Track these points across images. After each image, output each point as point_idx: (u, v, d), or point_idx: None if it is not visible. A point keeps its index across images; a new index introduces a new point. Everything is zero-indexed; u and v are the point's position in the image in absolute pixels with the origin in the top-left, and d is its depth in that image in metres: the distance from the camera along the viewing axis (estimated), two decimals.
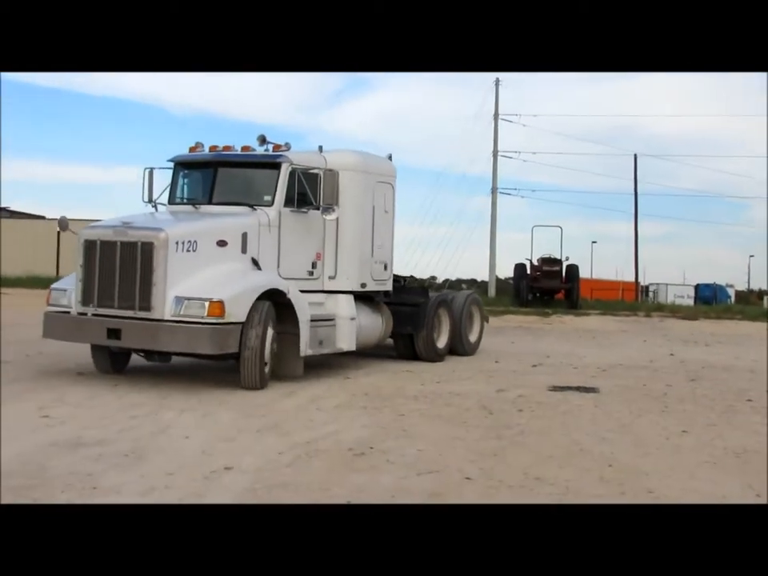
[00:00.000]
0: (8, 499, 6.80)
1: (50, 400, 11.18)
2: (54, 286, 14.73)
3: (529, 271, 40.98)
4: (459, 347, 19.52)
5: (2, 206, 52.28)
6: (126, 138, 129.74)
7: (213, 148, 15.76)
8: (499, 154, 56.69)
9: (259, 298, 13.44)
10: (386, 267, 17.46)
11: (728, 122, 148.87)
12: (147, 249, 13.04)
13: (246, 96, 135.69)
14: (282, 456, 8.75)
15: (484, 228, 55.16)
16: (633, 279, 65.18)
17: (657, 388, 14.90)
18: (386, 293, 17.66)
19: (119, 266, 13.21)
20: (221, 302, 12.79)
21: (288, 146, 15.52)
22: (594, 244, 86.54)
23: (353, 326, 15.98)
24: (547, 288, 40.76)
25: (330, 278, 15.98)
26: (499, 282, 55.42)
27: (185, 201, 15.85)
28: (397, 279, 18.88)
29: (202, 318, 12.76)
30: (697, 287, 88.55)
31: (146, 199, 15.87)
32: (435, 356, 18.35)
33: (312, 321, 14.60)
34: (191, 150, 15.89)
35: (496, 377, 15.67)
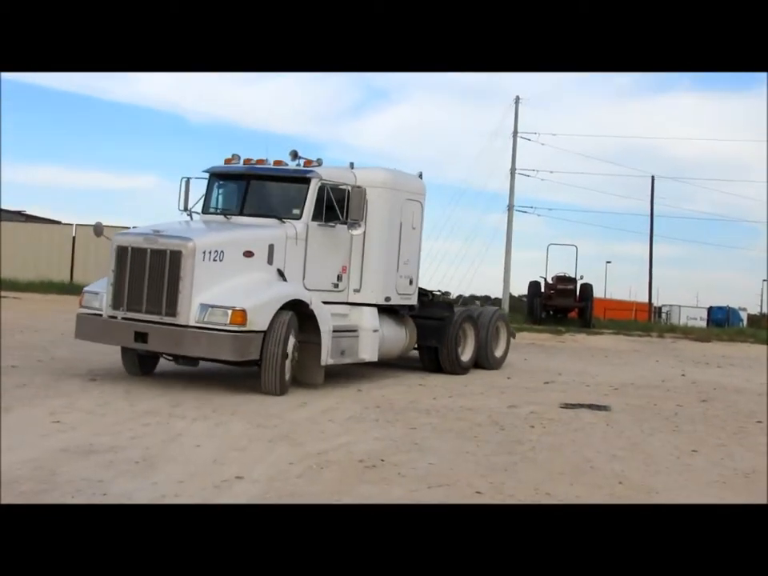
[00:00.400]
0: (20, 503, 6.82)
1: (61, 405, 11.18)
2: (86, 288, 15.00)
3: (543, 289, 40.95)
4: (484, 361, 19.92)
5: (18, 209, 52.36)
6: (142, 144, 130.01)
7: (247, 161, 16.21)
8: (517, 171, 56.64)
9: (282, 308, 13.86)
10: (411, 282, 17.86)
11: (745, 147, 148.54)
12: (175, 257, 13.45)
13: (263, 105, 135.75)
14: (293, 466, 8.77)
15: (499, 245, 55.08)
16: (646, 300, 64.92)
17: (668, 408, 14.89)
18: (410, 306, 18.07)
19: (148, 273, 13.63)
20: (243, 311, 13.22)
21: (320, 162, 15.91)
22: (608, 264, 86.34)
23: (375, 337, 16.39)
24: (561, 306, 40.68)
25: (355, 290, 16.41)
26: (513, 299, 55.37)
27: (218, 211, 16.31)
28: (425, 293, 19.47)
29: (225, 325, 13.17)
30: (710, 309, 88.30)
31: (182, 207, 16.37)
32: (459, 369, 18.74)
33: (335, 331, 15.06)
34: (226, 161, 16.36)
35: (508, 392, 15.68)
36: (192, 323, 13.28)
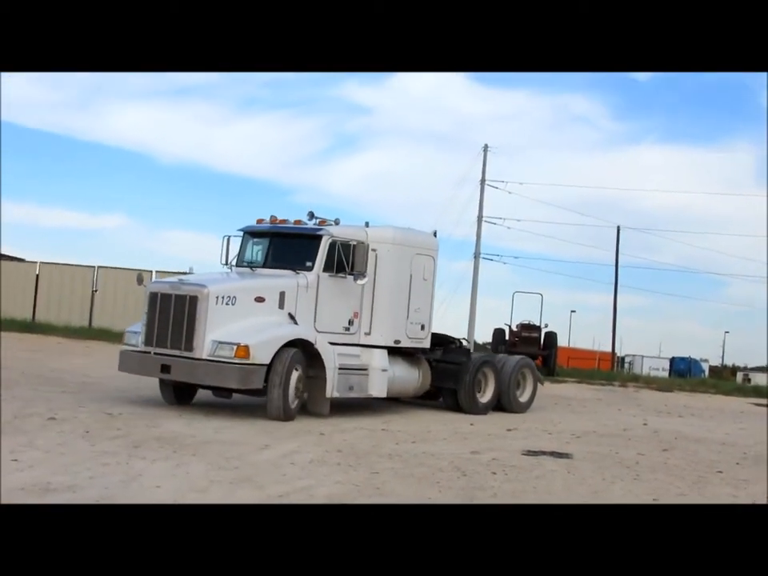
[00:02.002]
0: None
1: (19, 444, 11.06)
2: (128, 329, 17.57)
3: (507, 336, 40.94)
4: (508, 405, 21.67)
5: None
6: (110, 184, 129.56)
7: (273, 220, 18.70)
8: (484, 219, 57.00)
9: (288, 346, 16.24)
10: (423, 327, 19.79)
11: (710, 200, 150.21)
12: (193, 301, 15.99)
13: (233, 148, 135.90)
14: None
15: (465, 291, 55.31)
16: (609, 349, 65.25)
17: (629, 456, 14.91)
18: (423, 350, 20.07)
19: (173, 314, 16.18)
20: (246, 347, 15.58)
21: (337, 221, 18.44)
22: (572, 313, 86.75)
23: (384, 376, 18.41)
24: (525, 354, 40.75)
25: (366, 334, 18.51)
26: (478, 346, 55.46)
27: (246, 264, 18.67)
28: (451, 341, 21.83)
29: (231, 358, 15.57)
30: (672, 360, 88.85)
31: (223, 262, 18.98)
32: (477, 410, 20.57)
33: (344, 369, 17.37)
34: (258, 221, 18.94)
35: (470, 439, 15.66)
36: (205, 357, 15.73)
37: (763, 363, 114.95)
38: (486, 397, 21.18)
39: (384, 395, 18.69)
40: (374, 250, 18.56)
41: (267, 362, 15.84)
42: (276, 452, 12.25)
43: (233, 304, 16.33)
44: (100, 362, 26.22)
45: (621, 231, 62.35)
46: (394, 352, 19.12)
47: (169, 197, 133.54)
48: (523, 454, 14.07)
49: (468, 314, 53.49)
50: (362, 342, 18.39)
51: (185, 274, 18.75)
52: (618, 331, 63.06)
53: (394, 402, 20.74)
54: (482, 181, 57.23)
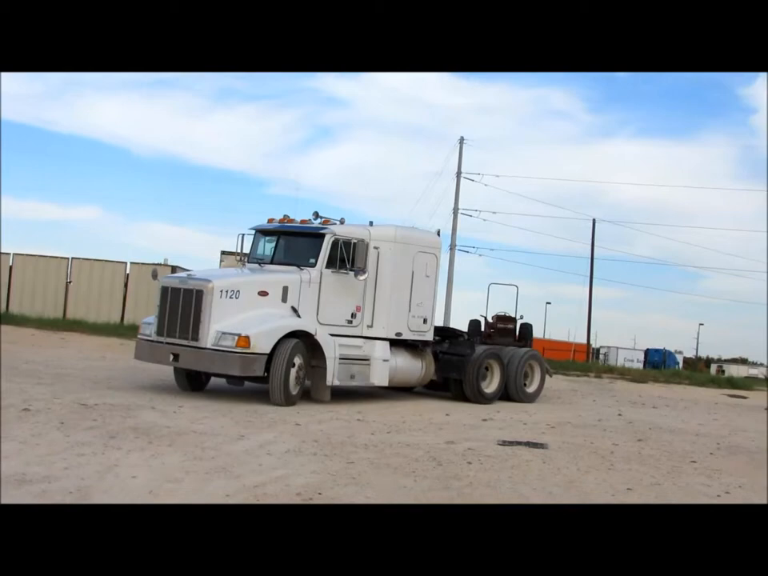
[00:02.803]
0: None
1: None
2: (144, 320, 19.17)
3: (483, 328, 40.99)
4: (515, 395, 23.11)
5: None
6: (86, 176, 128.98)
7: (281, 220, 20.10)
8: (460, 211, 57.07)
9: (290, 336, 17.59)
10: (425, 321, 21.04)
11: (686, 193, 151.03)
12: (199, 294, 17.37)
13: (210, 140, 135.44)
14: (230, 499, 8.70)
15: (440, 283, 55.41)
16: (584, 341, 65.49)
17: (604, 446, 14.98)
18: (427, 342, 21.39)
19: (181, 307, 17.55)
20: (247, 337, 16.91)
21: (342, 221, 19.85)
22: (548, 305, 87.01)
23: (386, 366, 19.82)
24: (500, 345, 40.78)
25: (368, 326, 19.75)
26: None
27: (257, 260, 20.01)
28: (459, 334, 23.59)
29: (233, 348, 16.89)
30: (646, 352, 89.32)
31: (238, 258, 20.65)
32: (482, 399, 21.93)
33: (345, 359, 18.83)
34: (269, 221, 20.30)
35: (446, 429, 15.70)
36: (209, 346, 17.08)
37: (737, 355, 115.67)
38: (491, 387, 22.55)
39: (386, 384, 20.12)
40: (376, 247, 19.80)
41: (267, 351, 17.15)
42: (252, 442, 12.24)
43: (236, 297, 17.63)
44: (75, 353, 26.13)
45: (596, 224, 62.62)
46: (398, 344, 20.47)
47: (145, 189, 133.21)
48: (498, 444, 14.12)
49: (444, 305, 53.50)
50: (364, 335, 19.64)
51: (171, 267, 20.37)
52: (593, 323, 63.42)
53: (381, 392, 21.62)
54: (458, 173, 57.33)
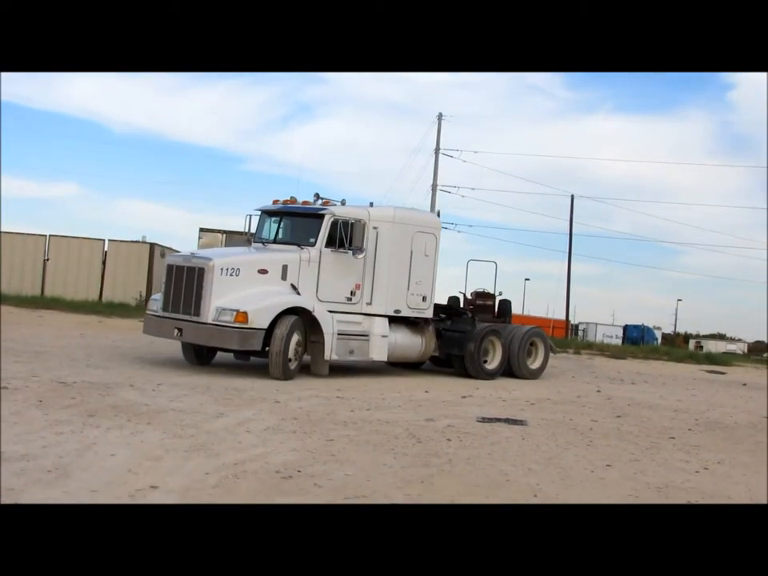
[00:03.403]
0: None
1: None
2: (152, 297, 20.53)
3: (462, 304, 41.18)
4: (518, 372, 23.82)
5: None
6: (62, 153, 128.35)
7: (285, 201, 20.89)
8: (438, 188, 57.10)
9: (288, 313, 18.50)
10: (424, 299, 21.87)
11: (663, 169, 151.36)
12: (201, 272, 18.32)
13: (188, 116, 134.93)
14: (209, 476, 8.69)
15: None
16: (563, 317, 65.69)
17: (583, 423, 15.05)
18: (427, 319, 22.23)
19: (185, 284, 18.53)
20: (245, 313, 17.88)
21: (344, 202, 20.87)
22: (527, 281, 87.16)
23: (384, 342, 20.71)
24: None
25: (368, 303, 20.60)
26: None
27: (261, 240, 20.92)
28: (463, 312, 24.57)
29: (231, 323, 17.85)
30: (625, 328, 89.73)
31: (253, 239, 21.28)
32: (483, 375, 22.77)
33: (343, 334, 19.71)
34: (273, 202, 21.15)
35: (425, 406, 15.72)
36: (210, 321, 18.04)
37: (715, 331, 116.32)
38: (493, 364, 23.36)
39: (384, 359, 21.06)
40: (375, 228, 20.64)
41: (265, 326, 18.10)
42: (231, 420, 12.22)
43: (236, 275, 18.54)
44: (53, 331, 26.04)
45: (575, 200, 62.72)
46: (398, 321, 21.37)
47: (122, 166, 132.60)
48: (478, 421, 14.15)
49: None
50: (364, 311, 20.51)
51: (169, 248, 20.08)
52: (571, 299, 63.62)
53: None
54: (437, 149, 57.37)
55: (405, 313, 21.44)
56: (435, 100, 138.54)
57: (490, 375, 22.99)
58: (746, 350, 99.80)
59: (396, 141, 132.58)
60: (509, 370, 23.75)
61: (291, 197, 20.83)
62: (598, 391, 21.60)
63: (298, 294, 19.13)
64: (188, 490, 8.08)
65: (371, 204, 21.25)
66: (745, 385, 28.58)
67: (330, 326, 19.29)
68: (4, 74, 12.71)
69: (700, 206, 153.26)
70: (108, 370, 16.94)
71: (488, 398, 17.94)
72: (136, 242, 42.73)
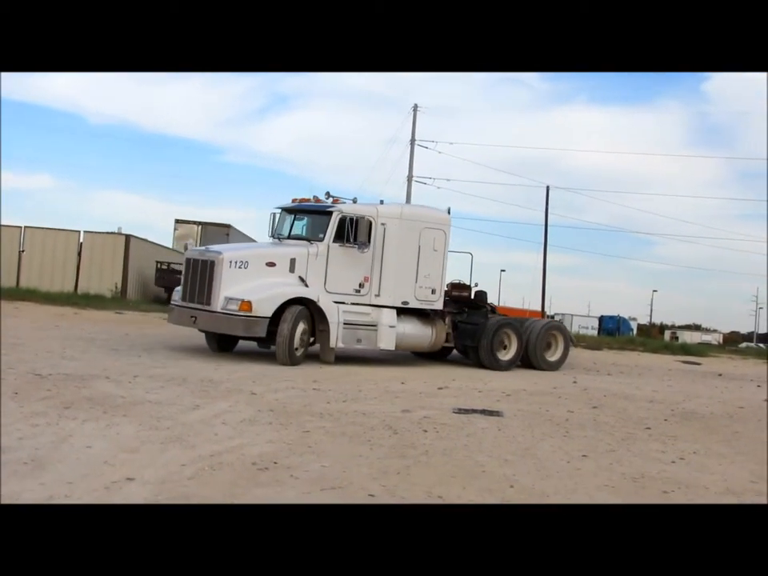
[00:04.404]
0: None
1: None
2: (176, 288, 21.90)
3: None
4: (536, 363, 24.90)
5: None
6: (38, 144, 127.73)
7: (300, 200, 22.56)
8: (414, 179, 57.12)
9: (295, 303, 20.17)
10: (433, 291, 23.05)
11: (638, 160, 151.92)
12: (212, 265, 20.09)
13: (165, 108, 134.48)
14: (185, 468, 8.69)
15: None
16: (539, 308, 65.74)
17: (559, 414, 15.09)
18: (435, 311, 23.38)
19: (199, 276, 20.29)
20: (249, 302, 19.53)
21: (355, 200, 22.30)
22: (502, 272, 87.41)
23: (392, 332, 21.94)
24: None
25: (376, 295, 21.94)
26: None
27: (278, 236, 22.46)
28: (481, 305, 25.56)
29: (237, 311, 19.53)
30: (601, 319, 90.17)
31: (270, 234, 22.81)
32: (497, 366, 23.88)
33: (350, 324, 21.16)
34: (292, 200, 22.69)
35: (402, 397, 15.73)
36: (219, 310, 19.73)
37: (690, 321, 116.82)
38: (508, 355, 24.46)
39: (392, 348, 22.21)
40: (383, 224, 22.00)
41: (268, 315, 19.71)
42: (207, 412, 12.21)
43: (245, 267, 20.16)
44: (28, 322, 25.92)
45: (550, 191, 62.68)
46: (408, 312, 22.68)
47: (98, 157, 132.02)
48: (454, 412, 14.18)
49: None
50: (372, 303, 21.84)
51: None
52: (547, 290, 63.62)
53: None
54: (412, 141, 57.38)
55: (413, 304, 22.67)
56: (411, 91, 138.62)
57: (505, 366, 24.02)
58: (721, 341, 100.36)
59: (372, 132, 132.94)
60: (527, 361, 24.86)
61: (314, 196, 22.50)
62: (574, 382, 21.67)
63: (306, 285, 20.65)
64: (164, 482, 8.07)
65: (381, 202, 22.80)
66: (720, 375, 28.73)
67: (335, 315, 20.82)
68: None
69: (675, 197, 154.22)
70: (84, 361, 16.88)
71: (464, 390, 17.97)
72: (112, 233, 42.60)
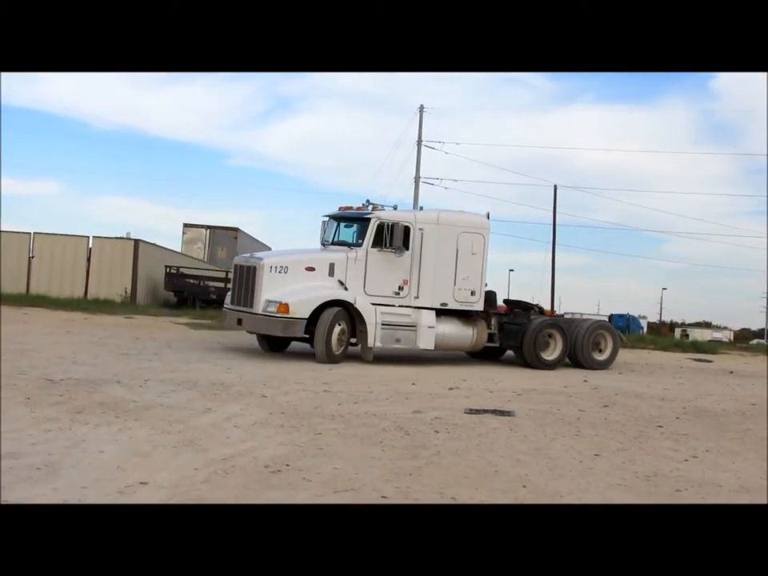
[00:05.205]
0: None
1: None
2: (228, 293, 23.63)
3: None
4: (584, 363, 25.52)
5: None
6: (42, 150, 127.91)
7: (344, 208, 23.87)
8: (421, 180, 57.10)
9: (332, 305, 21.49)
10: (473, 293, 23.78)
11: (646, 159, 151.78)
12: (254, 270, 21.59)
13: (167, 112, 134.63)
14: (198, 472, 8.70)
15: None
16: (548, 307, 65.64)
17: (570, 413, 15.07)
18: (477, 312, 24.15)
19: (244, 281, 21.88)
20: (287, 304, 20.95)
21: (395, 207, 23.61)
22: (511, 272, 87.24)
23: (431, 332, 22.87)
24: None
25: (415, 297, 22.94)
26: None
27: (324, 242, 23.80)
28: (529, 306, 26.71)
29: (275, 313, 20.96)
30: (610, 317, 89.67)
31: (320, 241, 24.03)
32: (541, 365, 24.63)
33: (388, 325, 22.21)
34: (339, 209, 23.96)
35: (413, 398, 15.72)
36: (260, 312, 21.19)
37: (700, 319, 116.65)
38: (553, 355, 25.14)
39: (431, 347, 23.11)
40: (421, 229, 23.01)
41: (306, 316, 21.09)
42: (219, 415, 12.22)
43: (285, 272, 21.54)
44: (39, 328, 25.95)
45: (558, 190, 62.69)
46: (450, 313, 23.59)
47: (103, 162, 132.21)
48: (465, 413, 14.16)
49: None
50: (412, 305, 22.86)
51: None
52: (556, 289, 63.66)
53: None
54: (419, 142, 57.38)
55: (452, 306, 23.53)
56: (415, 93, 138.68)
57: (549, 366, 24.75)
58: (731, 338, 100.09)
59: (377, 134, 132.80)
60: (576, 361, 25.62)
61: (367, 201, 23.58)
62: (585, 381, 21.62)
63: (346, 289, 21.94)
64: (177, 486, 8.08)
65: (421, 208, 24.76)
66: (732, 372, 28.65)
67: (372, 316, 21.99)
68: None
69: (683, 195, 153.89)
70: (95, 366, 16.90)
71: (475, 390, 17.94)
72: (120, 238, 42.63)
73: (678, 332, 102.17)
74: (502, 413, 14.42)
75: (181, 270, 42.49)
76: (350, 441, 11.04)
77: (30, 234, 40.88)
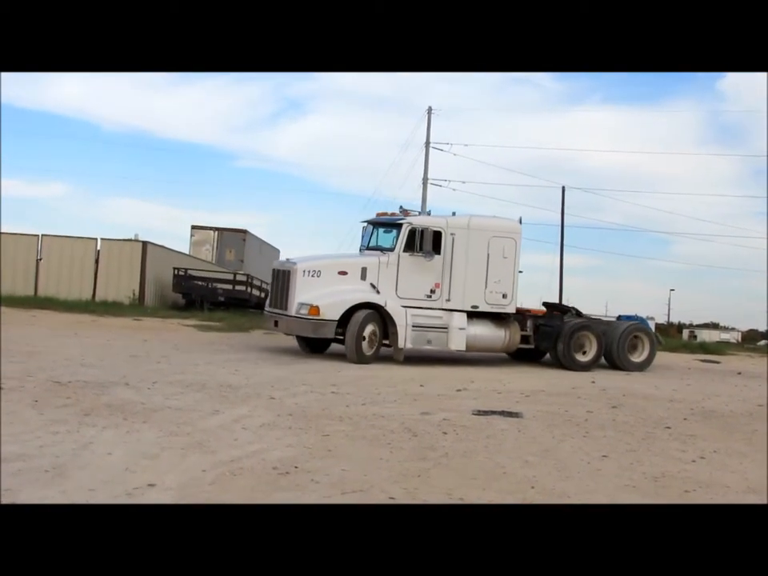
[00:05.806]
0: None
1: None
2: (269, 297, 24.70)
3: None
4: (620, 365, 26.02)
5: None
6: (52, 152, 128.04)
7: (379, 214, 24.83)
8: (429, 181, 57.06)
9: (363, 307, 22.29)
10: (504, 296, 24.30)
11: (655, 159, 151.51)
12: (288, 274, 22.64)
13: (177, 114, 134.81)
14: (206, 474, 8.71)
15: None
16: None
17: (579, 414, 15.06)
18: (507, 314, 24.59)
19: (280, 285, 23.02)
20: (317, 307, 21.85)
21: (429, 212, 26.23)
22: (519, 273, 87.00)
23: (462, 333, 23.53)
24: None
25: (447, 300, 23.59)
26: None
27: (362, 247, 24.71)
28: (566, 309, 26.96)
29: (307, 315, 21.91)
30: (618, 318, 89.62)
31: (359, 246, 25.00)
32: (576, 366, 25.03)
33: (419, 326, 22.92)
34: (376, 215, 24.92)
35: (421, 400, 15.71)
36: (293, 314, 22.15)
37: (708, 320, 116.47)
38: (587, 357, 25.57)
39: (462, 349, 23.82)
40: (452, 234, 23.62)
41: (336, 318, 21.98)
42: (227, 417, 12.22)
43: (318, 276, 22.44)
44: (46, 330, 25.98)
45: (566, 191, 62.52)
46: (482, 315, 24.17)
47: (111, 164, 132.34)
48: (473, 414, 14.16)
49: None
50: (444, 307, 23.51)
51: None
52: (564, 291, 63.37)
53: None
54: (427, 143, 57.33)
55: (483, 308, 24.06)
56: (422, 94, 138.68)
57: (583, 367, 25.04)
58: (739, 339, 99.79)
59: (385, 135, 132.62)
60: (612, 363, 26.11)
61: (401, 207, 24.72)
62: (593, 382, 21.59)
63: (378, 292, 22.70)
64: (185, 488, 8.09)
65: (453, 213, 24.76)
66: (740, 374, 28.58)
67: (402, 318, 22.73)
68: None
69: (691, 196, 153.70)
70: (103, 368, 16.90)
71: (483, 391, 17.92)
72: (128, 240, 42.63)
73: (685, 333, 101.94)
74: (510, 414, 14.41)
75: (189, 272, 42.44)
76: (358, 442, 11.04)
77: (38, 235, 40.87)
